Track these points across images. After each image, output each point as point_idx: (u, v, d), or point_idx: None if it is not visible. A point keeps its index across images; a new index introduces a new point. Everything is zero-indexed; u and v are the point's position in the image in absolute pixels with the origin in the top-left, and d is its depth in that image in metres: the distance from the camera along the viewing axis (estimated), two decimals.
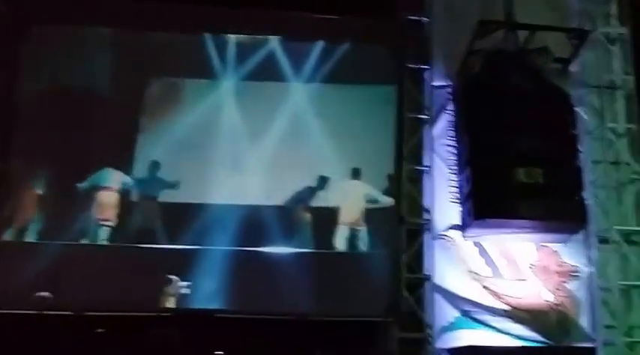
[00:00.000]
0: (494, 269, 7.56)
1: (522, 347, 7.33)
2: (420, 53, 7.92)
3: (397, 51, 7.91)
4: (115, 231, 7.54)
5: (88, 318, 7.09)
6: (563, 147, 7.33)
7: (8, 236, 7.50)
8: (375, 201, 7.96)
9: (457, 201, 7.55)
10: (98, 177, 7.71)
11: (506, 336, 7.36)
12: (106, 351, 6.94)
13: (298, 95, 8.20)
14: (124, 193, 7.73)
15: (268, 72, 8.22)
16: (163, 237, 7.51)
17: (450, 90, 7.92)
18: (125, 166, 7.84)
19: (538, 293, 7.55)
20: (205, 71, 8.17)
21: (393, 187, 7.79)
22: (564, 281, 7.62)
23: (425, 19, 8.07)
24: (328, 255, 7.71)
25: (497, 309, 7.43)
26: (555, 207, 7.06)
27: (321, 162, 8.03)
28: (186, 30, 8.22)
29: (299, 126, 8.10)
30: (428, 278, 7.42)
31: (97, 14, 8.01)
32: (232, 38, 8.31)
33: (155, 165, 7.85)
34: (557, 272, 7.62)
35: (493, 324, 7.38)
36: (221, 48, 8.24)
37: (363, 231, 7.85)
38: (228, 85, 8.20)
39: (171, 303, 7.28)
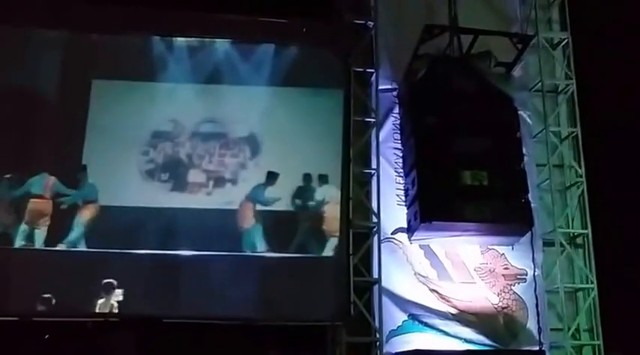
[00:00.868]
0: (441, 272, 7.57)
1: (470, 350, 7.33)
2: (366, 57, 7.97)
3: (343, 54, 7.90)
4: (51, 236, 7.29)
5: (33, 324, 6.90)
6: (507, 150, 7.44)
7: None
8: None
9: (404, 203, 7.60)
10: (33, 182, 7.49)
11: (454, 340, 7.35)
12: None
13: (246, 98, 8.05)
14: (56, 198, 7.48)
15: (216, 75, 8.06)
16: (105, 241, 7.29)
17: (396, 93, 7.99)
18: (66, 171, 7.63)
19: (485, 296, 7.58)
20: (152, 74, 7.99)
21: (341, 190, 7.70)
22: (511, 284, 7.67)
23: (370, 23, 8.11)
24: (276, 258, 7.52)
25: (444, 313, 7.44)
26: (501, 210, 7.13)
27: (269, 166, 7.82)
28: (133, 32, 8.07)
29: (247, 128, 7.95)
30: (376, 281, 7.37)
31: (41, 16, 7.84)
32: (180, 41, 8.19)
33: (90, 169, 7.62)
34: (504, 275, 7.68)
35: (441, 328, 7.38)
36: (169, 50, 8.09)
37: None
38: (174, 87, 8.03)
39: (111, 308, 7.05)
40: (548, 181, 7.94)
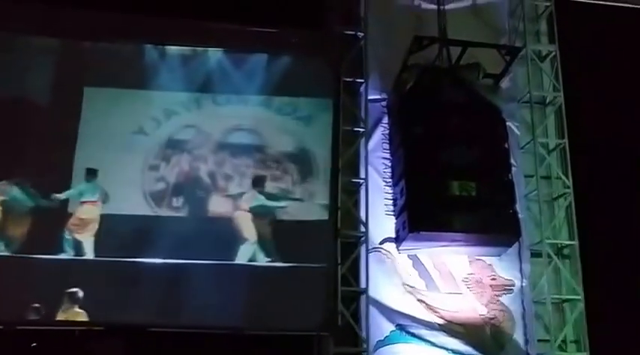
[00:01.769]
0: (428, 282, 7.55)
1: None
2: (356, 67, 7.99)
3: (333, 64, 7.92)
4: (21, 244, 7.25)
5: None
6: (496, 161, 7.47)
7: None
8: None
9: (392, 213, 7.61)
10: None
11: (441, 350, 7.33)
12: None
13: (238, 106, 8.04)
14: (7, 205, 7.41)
15: (208, 84, 8.05)
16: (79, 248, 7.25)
17: (385, 103, 8.01)
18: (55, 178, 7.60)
19: (472, 306, 7.56)
20: (144, 82, 7.99)
21: (329, 200, 7.66)
22: (498, 295, 7.65)
23: (360, 33, 8.16)
24: (263, 267, 7.48)
25: (432, 323, 7.41)
26: (488, 220, 7.13)
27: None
28: (126, 40, 8.07)
29: (237, 137, 7.93)
30: (363, 291, 7.35)
31: (33, 22, 7.81)
32: (173, 49, 8.19)
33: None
34: (491, 286, 7.66)
35: (428, 338, 7.35)
36: (161, 59, 8.09)
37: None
38: (167, 96, 8.01)
39: (80, 317, 6.99)
40: (535, 192, 7.96)
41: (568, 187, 8.06)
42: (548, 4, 8.70)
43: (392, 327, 7.34)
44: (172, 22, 8.03)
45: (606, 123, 8.39)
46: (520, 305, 7.58)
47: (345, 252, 7.47)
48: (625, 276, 7.93)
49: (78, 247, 7.29)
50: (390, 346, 7.30)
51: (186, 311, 7.15)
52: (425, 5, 8.39)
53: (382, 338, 7.30)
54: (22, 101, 7.74)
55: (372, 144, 7.86)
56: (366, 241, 7.51)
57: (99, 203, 7.49)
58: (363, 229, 7.53)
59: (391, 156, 7.76)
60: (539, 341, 7.55)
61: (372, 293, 7.37)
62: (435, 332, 7.35)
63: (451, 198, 7.12)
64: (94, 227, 7.40)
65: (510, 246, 7.45)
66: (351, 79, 7.99)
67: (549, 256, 7.75)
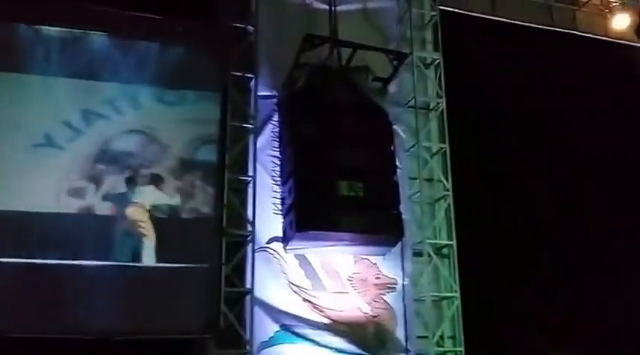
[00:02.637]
0: (315, 282, 7.54)
1: None
2: (246, 62, 7.80)
3: (221, 57, 7.67)
4: None
5: None
6: (382, 162, 7.60)
7: None
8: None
9: (280, 212, 7.51)
10: None
11: (326, 349, 7.34)
12: None
13: (120, 95, 7.50)
14: None
15: (86, 70, 7.44)
16: None
17: (275, 100, 7.91)
18: None
19: (357, 305, 7.65)
20: (16, 64, 7.26)
21: (215, 197, 7.42)
22: (382, 294, 7.80)
23: (250, 27, 8.00)
24: (140, 268, 7.06)
25: (317, 322, 7.41)
26: (375, 221, 7.24)
27: None
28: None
29: (118, 127, 7.42)
30: (248, 292, 7.18)
31: None
32: (50, 31, 7.53)
33: None
34: (376, 285, 7.79)
35: (313, 338, 7.34)
36: (37, 40, 7.44)
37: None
38: (42, 80, 7.33)
39: None
40: (418, 194, 8.21)
41: (448, 190, 8.37)
42: (434, 13, 9.03)
43: (277, 328, 7.27)
44: (52, 2, 7.40)
45: (485, 129, 8.83)
46: (402, 303, 7.77)
47: (230, 252, 7.25)
48: (498, 275, 8.34)
49: None
50: (274, 347, 7.22)
51: (55, 316, 6.56)
52: (317, 5, 8.38)
53: (266, 339, 7.21)
54: None
55: (261, 141, 7.72)
56: (253, 240, 7.36)
57: None
58: (249, 228, 7.36)
59: (280, 154, 7.69)
60: (418, 337, 7.77)
61: (257, 293, 7.24)
62: (320, 332, 7.36)
63: (339, 198, 7.15)
64: None
65: (394, 246, 7.61)
66: (240, 74, 7.78)
67: (429, 255, 8.01)
